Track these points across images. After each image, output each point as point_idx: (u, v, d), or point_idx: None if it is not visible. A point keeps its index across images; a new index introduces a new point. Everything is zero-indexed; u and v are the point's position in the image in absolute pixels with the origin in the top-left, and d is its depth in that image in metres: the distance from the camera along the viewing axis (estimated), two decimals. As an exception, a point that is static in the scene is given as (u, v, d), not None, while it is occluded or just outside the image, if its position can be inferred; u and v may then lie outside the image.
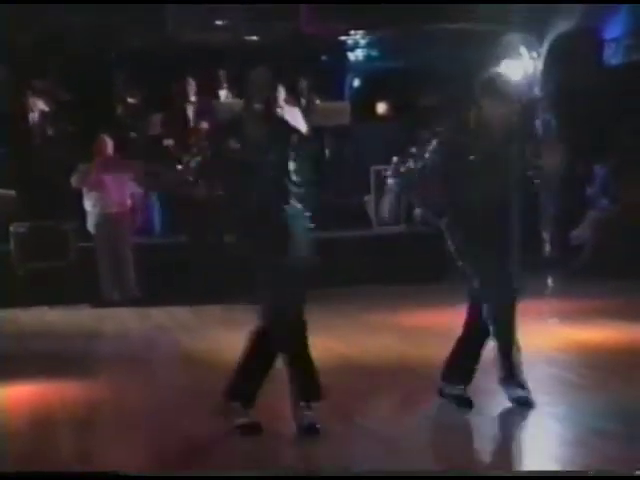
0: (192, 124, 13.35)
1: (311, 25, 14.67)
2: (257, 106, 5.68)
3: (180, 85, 14.00)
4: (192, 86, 13.89)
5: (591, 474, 4.48)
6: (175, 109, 13.75)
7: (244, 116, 5.79)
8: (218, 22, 15.08)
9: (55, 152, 13.42)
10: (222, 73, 14.45)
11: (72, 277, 11.60)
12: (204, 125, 12.49)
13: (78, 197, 11.80)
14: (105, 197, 11.65)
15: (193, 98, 13.84)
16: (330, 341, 8.26)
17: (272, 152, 5.66)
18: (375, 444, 5.51)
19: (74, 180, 11.75)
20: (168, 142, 13.33)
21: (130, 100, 14.61)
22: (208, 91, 14.06)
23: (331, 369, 7.23)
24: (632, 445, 5.20)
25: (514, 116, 6.10)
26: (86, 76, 14.28)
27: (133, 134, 14.11)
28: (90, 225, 11.73)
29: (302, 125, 10.94)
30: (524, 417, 5.88)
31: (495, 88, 5.99)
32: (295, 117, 11.08)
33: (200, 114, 13.44)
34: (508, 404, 6.03)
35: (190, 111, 13.66)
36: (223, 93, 14.38)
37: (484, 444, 5.60)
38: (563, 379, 6.84)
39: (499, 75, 6.41)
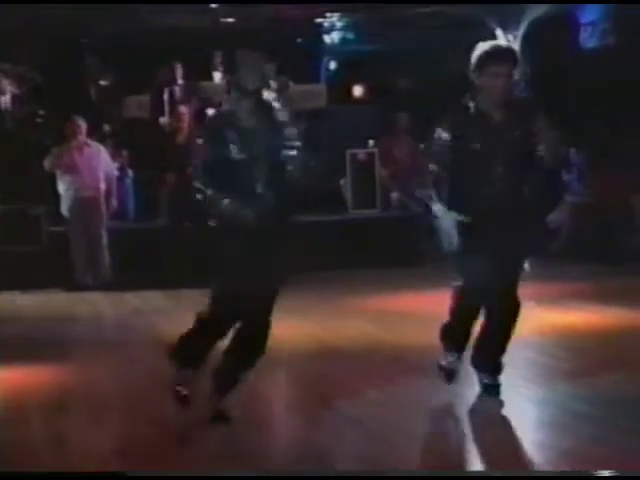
0: (171, 108, 13.23)
1: (288, 8, 14.54)
2: (251, 90, 5.42)
3: (160, 69, 13.87)
4: (176, 70, 13.77)
5: (593, 474, 4.45)
6: (154, 92, 13.63)
7: (237, 102, 5.50)
8: (194, 5, 14.92)
9: (27, 135, 13.30)
10: (199, 56, 14.31)
11: (44, 261, 11.50)
12: (184, 109, 12.35)
13: (50, 181, 11.69)
14: (78, 180, 11.54)
15: (178, 81, 13.72)
16: (306, 325, 8.24)
17: (271, 137, 5.45)
18: (351, 428, 5.48)
19: (47, 163, 11.64)
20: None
21: (103, 83, 14.47)
22: (186, 75, 13.94)
23: (307, 353, 7.21)
24: (608, 427, 5.19)
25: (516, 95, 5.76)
26: (59, 59, 14.14)
27: (107, 117, 13.99)
28: (64, 209, 11.62)
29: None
30: (500, 400, 5.84)
31: (494, 59, 5.56)
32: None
33: (181, 98, 13.35)
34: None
35: (168, 94, 13.54)
36: (203, 76, 14.26)
37: (459, 426, 5.58)
38: (539, 362, 6.83)
39: (496, 45, 5.93)
